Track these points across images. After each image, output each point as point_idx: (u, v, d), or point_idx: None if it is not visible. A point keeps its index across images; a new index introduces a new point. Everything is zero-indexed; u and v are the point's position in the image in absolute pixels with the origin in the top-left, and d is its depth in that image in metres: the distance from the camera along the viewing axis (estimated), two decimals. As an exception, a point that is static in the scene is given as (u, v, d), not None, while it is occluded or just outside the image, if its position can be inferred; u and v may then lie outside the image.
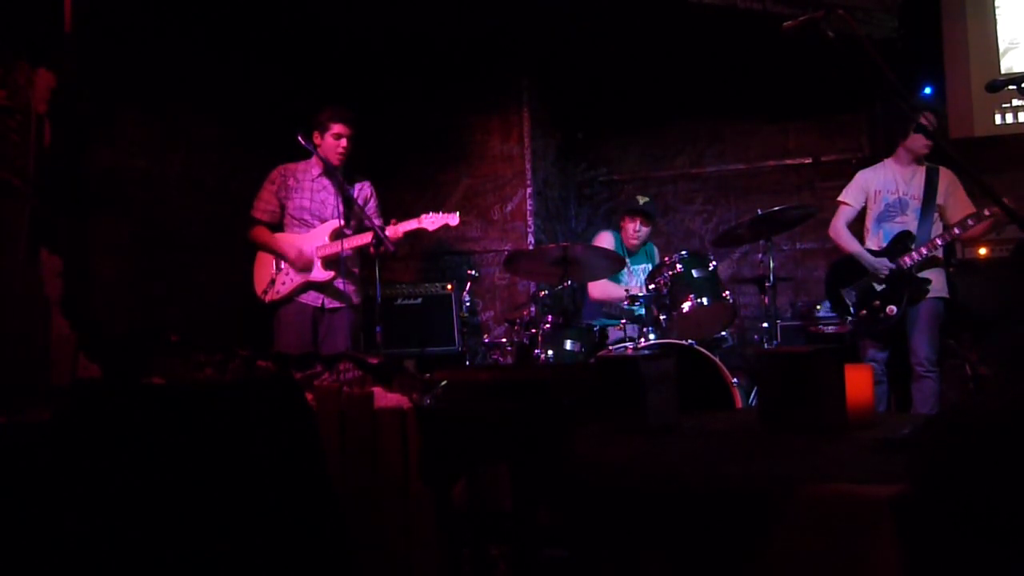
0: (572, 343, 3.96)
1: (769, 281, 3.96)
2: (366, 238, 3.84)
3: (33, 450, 1.63)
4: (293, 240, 3.99)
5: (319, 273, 3.94)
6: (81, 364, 3.32)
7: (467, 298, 4.57)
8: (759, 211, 3.83)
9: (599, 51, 5.26)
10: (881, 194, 4.14)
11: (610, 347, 3.96)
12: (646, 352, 3.64)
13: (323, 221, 4.01)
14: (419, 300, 4.85)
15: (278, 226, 4.06)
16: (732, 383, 3.55)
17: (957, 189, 4.06)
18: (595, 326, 4.18)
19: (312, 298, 3.99)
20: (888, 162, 4.22)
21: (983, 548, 1.06)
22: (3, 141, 3.24)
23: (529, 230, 5.30)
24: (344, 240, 3.85)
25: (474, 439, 1.76)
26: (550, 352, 3.88)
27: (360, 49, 5.14)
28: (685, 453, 1.62)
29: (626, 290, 4.10)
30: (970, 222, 3.86)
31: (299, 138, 3.85)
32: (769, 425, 1.78)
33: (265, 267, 4.04)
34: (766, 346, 3.93)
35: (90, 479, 1.57)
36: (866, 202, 4.19)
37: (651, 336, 3.85)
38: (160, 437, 1.61)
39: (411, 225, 3.90)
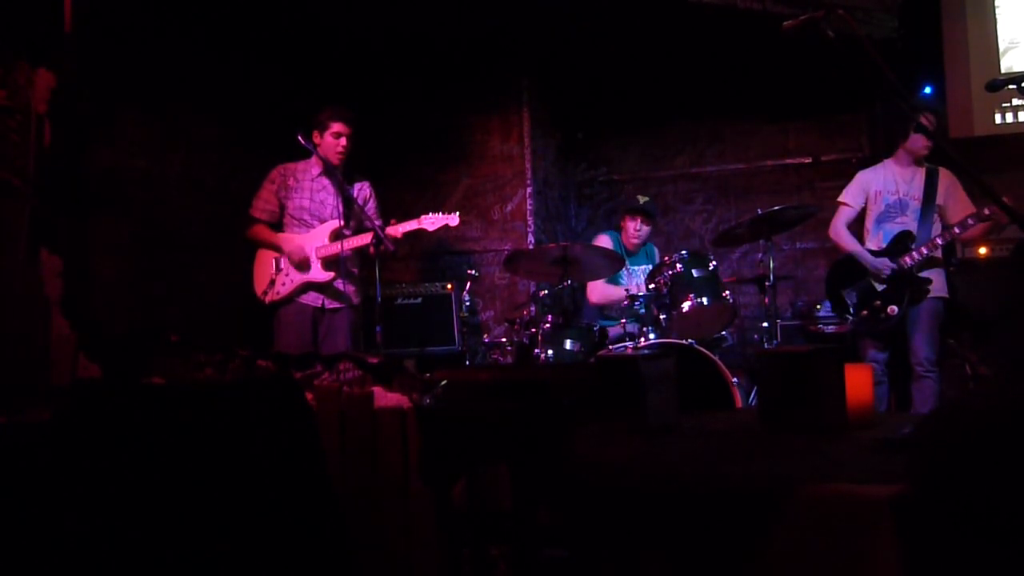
0: (572, 343, 3.96)
1: (769, 281, 3.95)
2: (366, 238, 3.84)
3: (33, 450, 1.63)
4: (292, 237, 3.99)
5: (319, 274, 3.94)
6: (81, 364, 3.32)
7: (467, 298, 4.57)
8: (759, 211, 3.83)
9: (599, 51, 5.26)
10: (881, 195, 4.14)
11: (610, 347, 3.96)
12: (646, 352, 3.64)
13: (322, 221, 4.01)
14: (419, 300, 4.85)
15: (277, 226, 4.06)
16: (732, 383, 3.55)
17: (957, 189, 4.07)
18: (595, 326, 4.18)
19: (312, 299, 3.99)
20: (888, 163, 4.22)
21: (983, 548, 1.06)
22: (3, 141, 3.24)
23: (529, 230, 5.30)
24: (344, 240, 3.85)
25: (474, 439, 1.76)
26: (550, 352, 3.88)
27: (360, 49, 5.14)
28: (685, 453, 1.62)
29: (626, 290, 4.10)
30: (970, 221, 3.86)
31: (299, 138, 3.85)
32: (769, 425, 1.78)
33: (265, 268, 4.04)
34: (766, 346, 3.93)
35: (90, 479, 1.57)
36: (866, 202, 4.19)
37: (651, 336, 3.85)
38: (160, 437, 1.61)
39: (411, 226, 3.91)
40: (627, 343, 3.86)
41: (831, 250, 4.69)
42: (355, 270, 4.09)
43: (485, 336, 5.19)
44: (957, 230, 3.89)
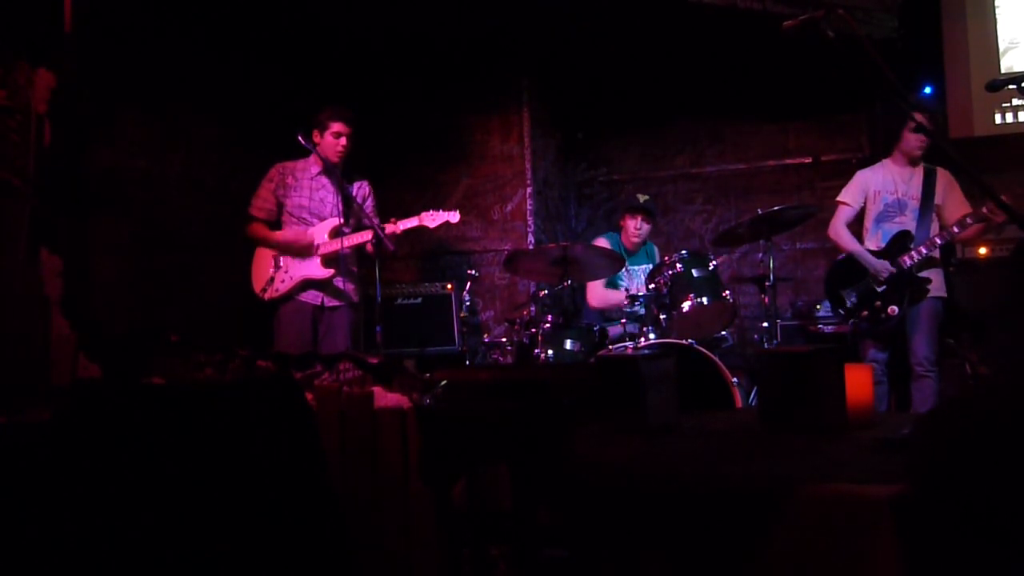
0: (572, 343, 3.96)
1: (769, 281, 3.95)
2: (365, 236, 3.84)
3: (33, 450, 1.63)
4: (296, 231, 3.99)
5: (318, 270, 3.95)
6: (81, 364, 3.32)
7: (467, 298, 4.57)
8: (759, 211, 3.83)
9: (599, 51, 5.26)
10: (880, 194, 4.14)
11: (610, 347, 3.96)
12: (646, 352, 3.64)
13: (322, 220, 4.01)
14: (419, 300, 4.85)
15: (276, 224, 4.06)
16: (732, 383, 3.54)
17: (954, 189, 4.08)
18: (595, 326, 4.18)
19: (312, 296, 3.99)
20: (886, 162, 4.22)
21: (983, 548, 1.06)
22: (3, 141, 3.24)
23: (529, 230, 5.30)
24: (344, 238, 3.85)
25: (474, 439, 1.76)
26: (550, 352, 3.88)
27: (360, 49, 5.14)
28: (685, 453, 1.62)
29: (625, 289, 4.10)
30: (968, 221, 3.86)
31: (299, 138, 3.86)
32: (769, 425, 1.78)
33: (264, 265, 4.04)
34: (766, 346, 3.93)
35: (90, 479, 1.57)
36: (865, 202, 4.19)
37: (651, 336, 3.85)
38: (160, 437, 1.61)
39: (411, 223, 3.91)
40: (627, 343, 3.86)
41: (831, 250, 4.69)
42: (354, 268, 4.09)
43: (485, 336, 5.19)
44: (956, 229, 3.89)
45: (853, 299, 4.08)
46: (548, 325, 3.95)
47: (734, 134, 5.76)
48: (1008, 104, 5.03)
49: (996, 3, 5.08)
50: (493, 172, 5.39)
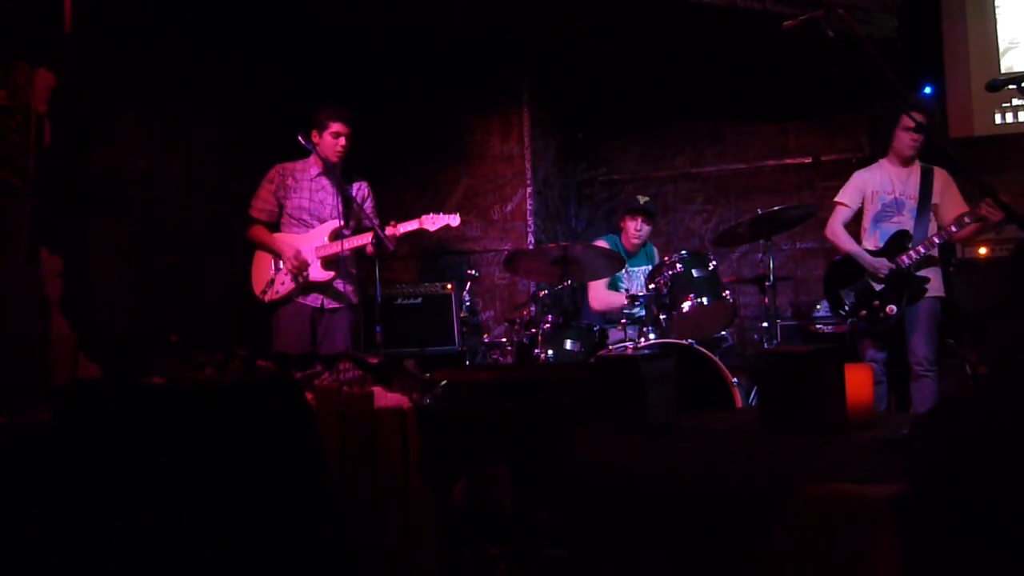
0: (572, 343, 3.96)
1: (769, 281, 3.96)
2: (366, 238, 3.84)
3: (33, 450, 1.63)
4: (292, 240, 3.99)
5: (319, 273, 3.94)
6: (81, 364, 3.32)
7: (467, 298, 4.57)
8: (759, 211, 3.83)
9: (599, 51, 5.26)
10: (878, 194, 4.14)
11: (610, 347, 3.96)
12: (646, 352, 3.64)
13: (322, 220, 4.01)
14: (419, 300, 4.85)
15: (276, 225, 4.05)
16: (732, 383, 3.54)
17: (951, 188, 4.08)
18: (595, 326, 4.18)
19: (311, 299, 3.99)
20: (883, 162, 4.23)
21: (983, 548, 1.06)
22: (3, 141, 3.24)
23: (529, 230, 5.30)
24: (344, 240, 3.85)
25: (474, 439, 1.76)
26: (550, 352, 3.88)
27: (360, 49, 5.14)
28: (685, 453, 1.62)
29: (625, 290, 4.09)
30: (966, 220, 3.86)
31: (299, 138, 3.86)
32: (769, 425, 1.78)
33: (264, 267, 4.04)
34: (766, 346, 3.93)
35: (90, 479, 1.57)
36: (862, 203, 4.19)
37: (651, 336, 3.85)
38: (160, 437, 1.61)
39: (411, 226, 3.91)
40: (627, 343, 3.86)
41: (831, 250, 4.68)
42: (353, 270, 4.09)
43: (485, 336, 5.18)
44: (953, 228, 3.89)
45: (851, 299, 4.08)
46: (548, 325, 3.95)
47: (734, 134, 5.76)
48: (1008, 104, 5.03)
49: (996, 3, 5.08)
50: (493, 172, 5.39)
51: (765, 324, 3.99)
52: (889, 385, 4.12)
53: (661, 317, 3.88)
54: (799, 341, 4.89)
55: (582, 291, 4.86)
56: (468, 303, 4.61)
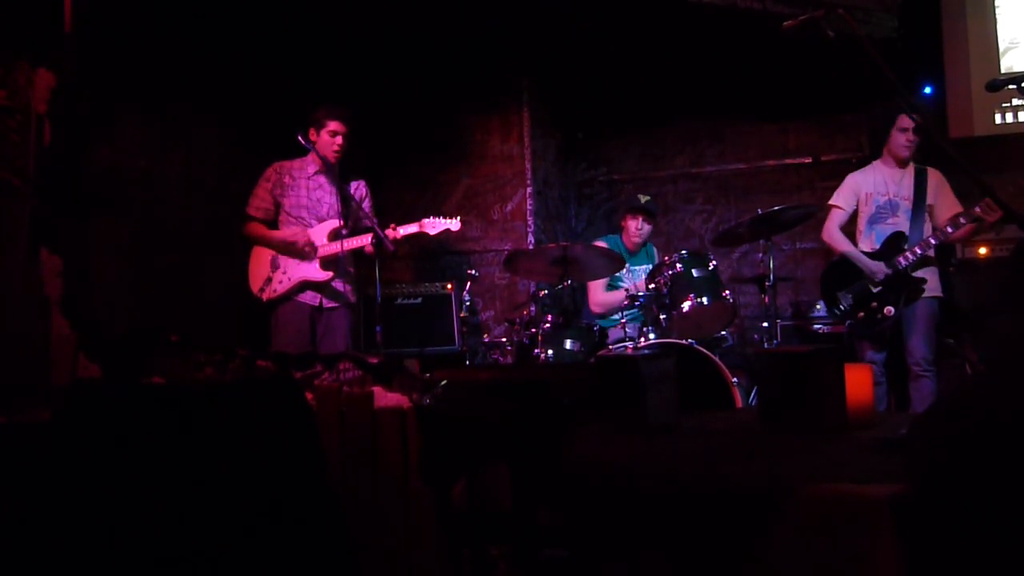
0: (572, 343, 3.96)
1: (769, 281, 3.96)
2: (364, 240, 3.84)
3: (33, 450, 1.63)
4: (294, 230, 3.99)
5: (317, 272, 3.94)
6: (81, 364, 3.32)
7: (467, 298, 4.57)
8: (759, 211, 3.83)
9: (599, 51, 5.26)
10: (872, 196, 4.14)
11: (610, 347, 3.96)
12: (646, 352, 3.64)
13: (320, 219, 4.01)
14: (419, 300, 4.85)
15: (273, 224, 4.05)
16: (732, 383, 3.54)
17: (945, 189, 4.08)
18: (595, 326, 4.19)
19: (310, 297, 3.98)
20: (877, 164, 4.22)
21: (983, 548, 1.06)
22: (3, 141, 3.24)
23: (529, 230, 5.30)
24: (343, 241, 3.85)
25: (474, 439, 1.76)
26: (550, 352, 3.88)
27: (360, 49, 5.14)
28: (685, 453, 1.62)
29: (626, 290, 4.09)
30: (961, 220, 3.85)
31: (299, 138, 3.86)
32: (769, 425, 1.78)
33: (261, 265, 4.03)
34: (766, 346, 3.93)
35: (90, 479, 1.57)
36: (857, 205, 4.19)
37: (651, 336, 3.85)
38: (160, 437, 1.61)
39: (411, 229, 3.91)
40: (627, 343, 3.86)
41: (830, 251, 4.69)
42: (351, 269, 4.09)
43: (485, 336, 5.18)
44: (949, 229, 3.88)
45: (849, 300, 4.07)
46: (548, 325, 3.95)
47: (734, 134, 5.76)
48: (1008, 104, 5.03)
49: (996, 3, 5.09)
50: (493, 172, 5.39)
51: (765, 324, 3.99)
52: (889, 385, 4.12)
53: (661, 317, 3.88)
54: (796, 341, 4.89)
55: (582, 291, 4.86)
56: (468, 303, 4.61)
